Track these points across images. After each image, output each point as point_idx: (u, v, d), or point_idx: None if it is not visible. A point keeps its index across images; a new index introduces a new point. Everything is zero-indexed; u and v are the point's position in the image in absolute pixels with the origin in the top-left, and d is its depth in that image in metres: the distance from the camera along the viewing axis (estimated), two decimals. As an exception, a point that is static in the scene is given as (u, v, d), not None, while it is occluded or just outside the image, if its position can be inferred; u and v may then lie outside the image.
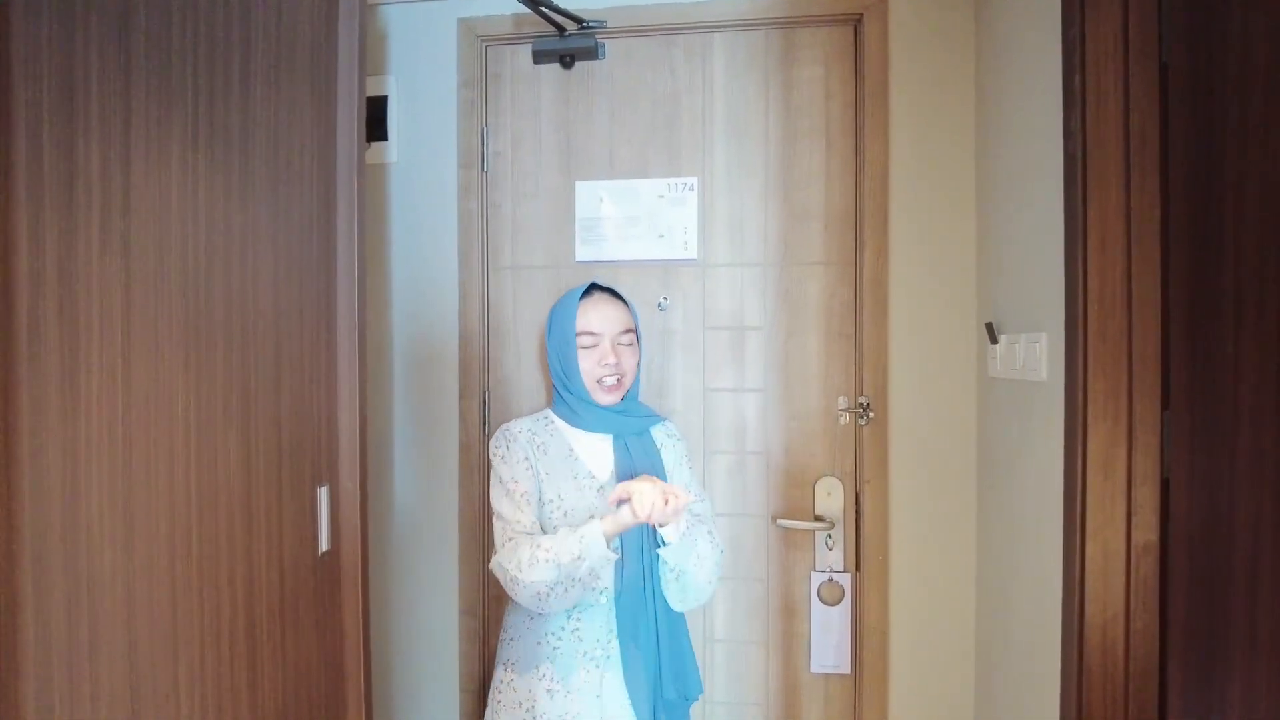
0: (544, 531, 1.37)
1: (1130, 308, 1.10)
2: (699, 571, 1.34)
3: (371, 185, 1.80)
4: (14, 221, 0.65)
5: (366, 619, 1.26)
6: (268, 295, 1.05)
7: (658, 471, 1.43)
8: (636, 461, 1.42)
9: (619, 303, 1.47)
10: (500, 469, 1.41)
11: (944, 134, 1.63)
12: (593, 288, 1.49)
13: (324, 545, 1.19)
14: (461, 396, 1.78)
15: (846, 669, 1.68)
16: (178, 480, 0.86)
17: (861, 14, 1.63)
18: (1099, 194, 1.11)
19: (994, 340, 1.46)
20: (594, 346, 1.42)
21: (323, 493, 1.19)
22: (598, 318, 1.43)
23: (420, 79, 1.80)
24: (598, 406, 1.43)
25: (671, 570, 1.35)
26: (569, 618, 1.37)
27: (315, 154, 1.18)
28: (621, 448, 1.44)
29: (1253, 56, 0.89)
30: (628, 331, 1.45)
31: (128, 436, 0.78)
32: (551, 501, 1.38)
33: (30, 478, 0.66)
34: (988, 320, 1.50)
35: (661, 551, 1.33)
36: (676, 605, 1.39)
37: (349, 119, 1.25)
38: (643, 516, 1.22)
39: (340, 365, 1.24)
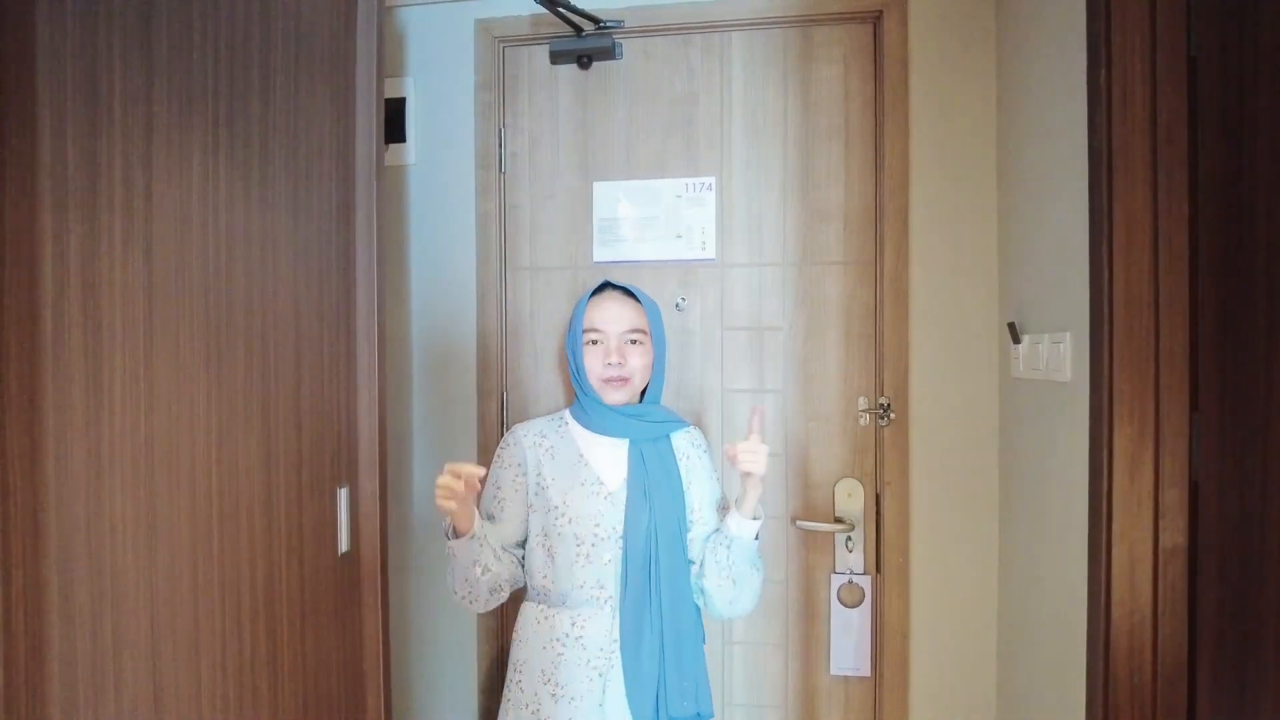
0: (546, 536, 1.38)
1: (1157, 306, 1.08)
2: (749, 573, 1.34)
3: (390, 187, 1.81)
4: (39, 225, 0.66)
5: (386, 619, 1.27)
6: (287, 297, 1.05)
7: (674, 485, 1.39)
8: (651, 471, 1.38)
9: (630, 301, 1.45)
10: (493, 471, 1.43)
11: (965, 131, 1.61)
12: (606, 285, 1.48)
13: (344, 546, 1.19)
14: (480, 397, 1.79)
15: (867, 672, 1.66)
16: (199, 482, 0.87)
17: (881, 11, 1.62)
18: (1125, 190, 1.09)
19: (1017, 340, 1.44)
20: (599, 344, 1.41)
21: (343, 494, 1.19)
22: (603, 316, 1.41)
23: (438, 80, 1.81)
24: (609, 408, 1.41)
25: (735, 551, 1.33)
26: (572, 624, 1.35)
27: (334, 156, 1.19)
28: (637, 455, 1.40)
29: (1285, 49, 0.86)
30: (636, 330, 1.42)
31: (150, 439, 0.79)
32: (557, 508, 1.36)
33: (55, 481, 0.67)
34: (1010, 320, 1.48)
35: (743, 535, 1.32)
36: (716, 608, 1.37)
37: (368, 121, 1.25)
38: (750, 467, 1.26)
39: (360, 367, 1.25)
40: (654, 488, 1.37)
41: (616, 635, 1.34)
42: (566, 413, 1.50)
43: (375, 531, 1.25)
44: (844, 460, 1.68)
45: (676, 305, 1.72)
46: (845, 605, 1.66)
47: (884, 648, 1.64)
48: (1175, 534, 1.08)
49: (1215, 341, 1.01)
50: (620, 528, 1.35)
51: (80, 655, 0.70)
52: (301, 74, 1.09)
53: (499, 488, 1.40)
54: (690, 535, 1.40)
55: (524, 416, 1.76)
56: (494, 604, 1.36)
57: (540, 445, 1.43)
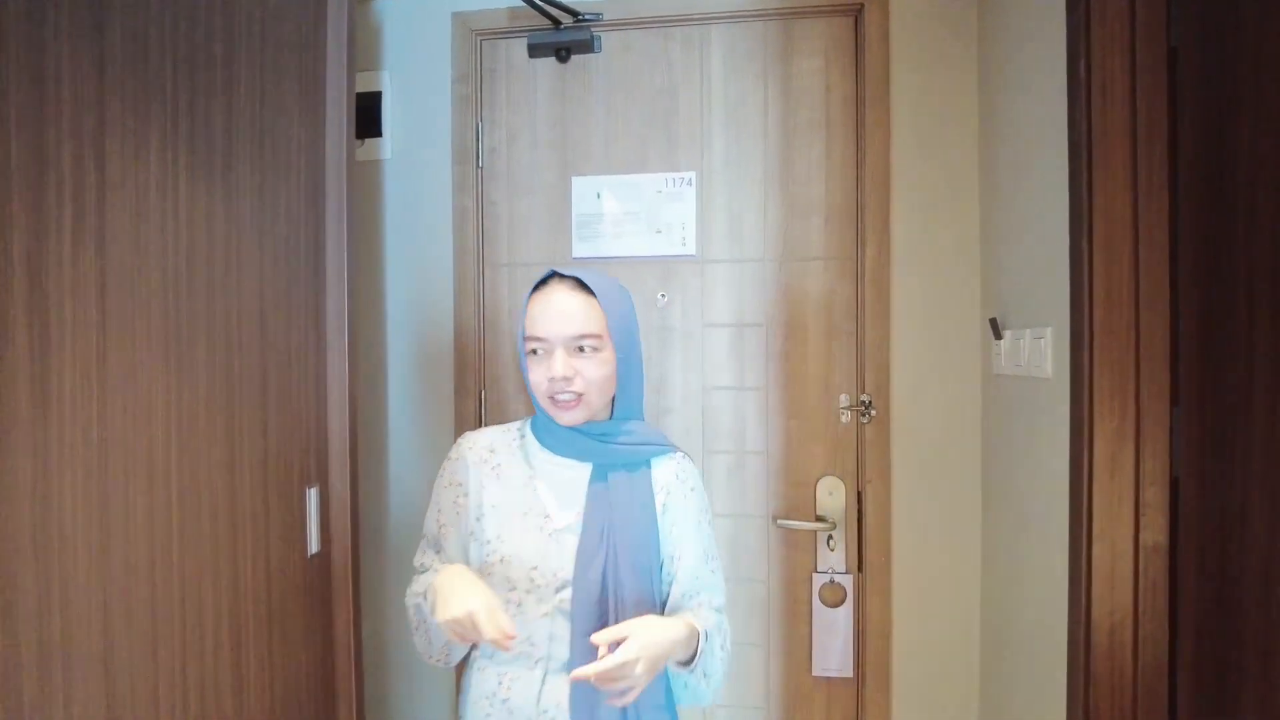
0: (479, 573, 1.06)
1: (1138, 302, 1.07)
2: (700, 687, 1.07)
3: (365, 182, 1.78)
4: (-22, 218, 0.63)
5: (358, 622, 1.24)
6: (253, 294, 1.02)
7: (643, 525, 1.08)
8: (617, 506, 1.08)
9: (582, 296, 1.07)
10: (435, 488, 1.17)
11: (946, 125, 1.60)
12: (553, 275, 1.10)
13: (313, 548, 1.17)
14: (457, 396, 1.76)
15: (849, 672, 1.65)
16: (157, 483, 0.84)
17: (862, 4, 1.60)
18: (1105, 185, 1.08)
19: (998, 336, 1.43)
20: (543, 354, 1.06)
21: (312, 494, 1.17)
22: (545, 319, 1.05)
23: (414, 74, 1.78)
24: (563, 427, 1.09)
25: (677, 679, 1.08)
26: (499, 682, 1.06)
27: (304, 150, 1.16)
28: (600, 485, 1.09)
29: (1268, 39, 0.86)
30: (588, 335, 1.05)
31: (104, 438, 0.76)
32: (489, 543, 1.08)
33: (-4, 483, 0.64)
34: (992, 316, 1.47)
35: (671, 667, 1.05)
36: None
37: (338, 114, 1.23)
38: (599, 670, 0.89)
39: (330, 365, 1.22)
40: (617, 527, 1.07)
41: (546, 705, 1.04)
42: (527, 423, 1.19)
43: (346, 532, 1.22)
44: (825, 458, 1.67)
45: (657, 302, 1.70)
46: (827, 605, 1.65)
47: (866, 647, 1.63)
48: (1156, 531, 1.07)
49: (1196, 337, 1.01)
50: (566, 574, 1.06)
51: (25, 666, 0.67)
52: (268, 66, 1.06)
53: (440, 510, 1.14)
54: (668, 591, 1.11)
55: (502, 415, 1.74)
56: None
57: (486, 462, 1.14)
